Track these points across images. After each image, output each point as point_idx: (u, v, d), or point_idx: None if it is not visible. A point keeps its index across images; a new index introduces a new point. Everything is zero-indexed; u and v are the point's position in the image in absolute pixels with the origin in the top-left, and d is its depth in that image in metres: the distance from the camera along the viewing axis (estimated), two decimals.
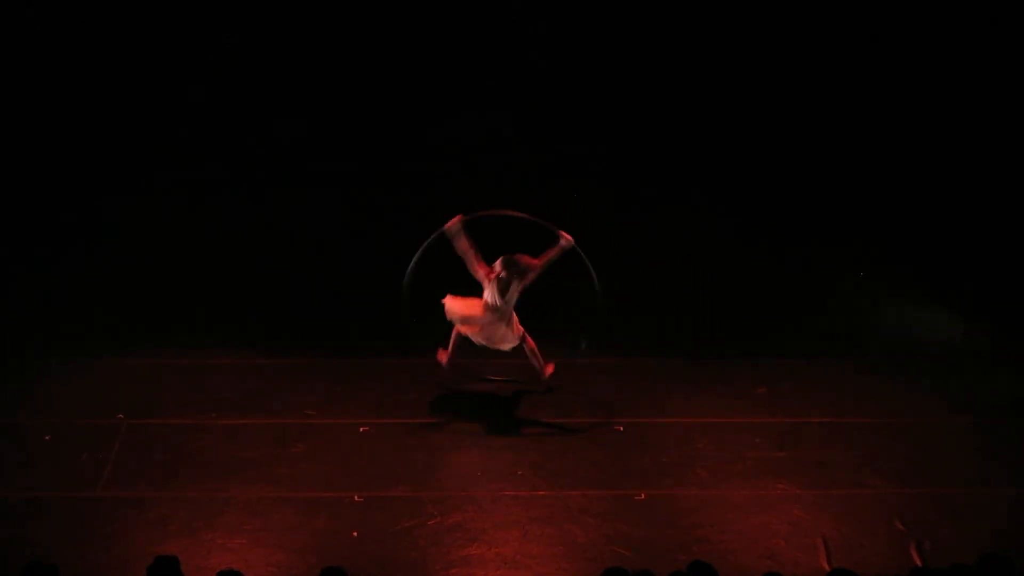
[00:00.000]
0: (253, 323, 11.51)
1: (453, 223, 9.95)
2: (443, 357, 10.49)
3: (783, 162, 13.37)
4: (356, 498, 9.08)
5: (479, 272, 10.03)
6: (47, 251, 12.29)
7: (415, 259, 10.08)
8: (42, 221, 12.63)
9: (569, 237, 9.98)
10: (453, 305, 10.19)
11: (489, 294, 10.04)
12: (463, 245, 9.98)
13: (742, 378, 10.78)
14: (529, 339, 10.27)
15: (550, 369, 10.41)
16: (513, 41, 13.34)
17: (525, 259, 10.00)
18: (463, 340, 10.33)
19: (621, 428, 10.03)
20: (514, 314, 10.17)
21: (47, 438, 9.70)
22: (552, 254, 10.01)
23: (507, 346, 10.28)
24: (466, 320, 10.14)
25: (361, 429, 9.96)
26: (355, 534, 8.71)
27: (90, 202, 12.81)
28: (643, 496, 9.20)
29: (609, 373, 10.77)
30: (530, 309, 10.31)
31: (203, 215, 12.83)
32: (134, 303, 11.70)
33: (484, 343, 10.24)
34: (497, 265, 9.99)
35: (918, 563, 8.43)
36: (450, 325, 10.29)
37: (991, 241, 12.72)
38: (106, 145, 13.13)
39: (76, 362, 10.75)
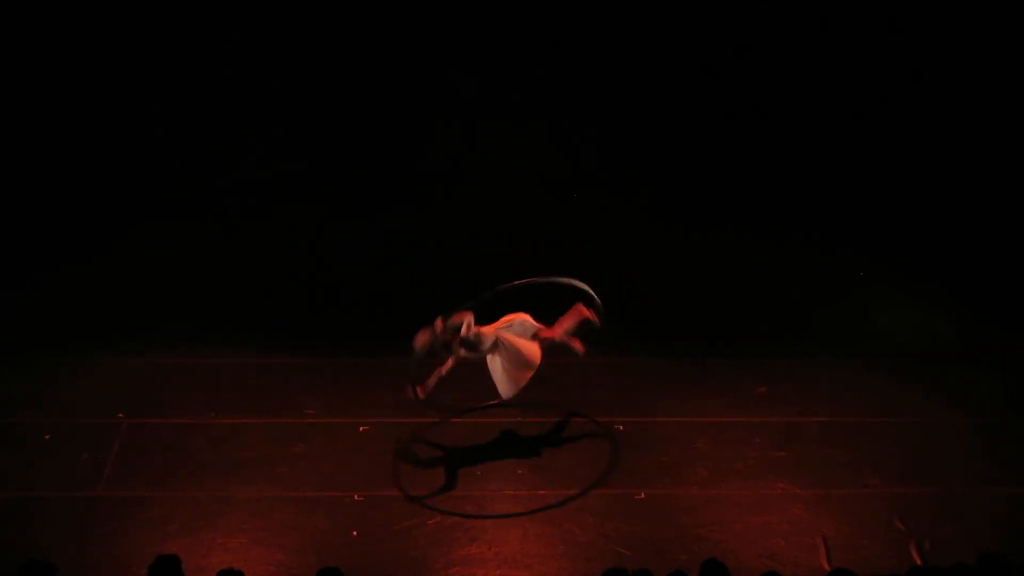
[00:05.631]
0: (253, 323, 11.49)
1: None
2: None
3: (783, 163, 13.37)
4: (356, 498, 9.08)
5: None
6: (47, 252, 12.28)
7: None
8: (42, 222, 12.62)
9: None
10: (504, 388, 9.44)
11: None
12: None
13: (742, 378, 10.77)
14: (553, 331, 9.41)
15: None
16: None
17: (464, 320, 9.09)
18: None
19: (621, 428, 10.03)
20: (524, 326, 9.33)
21: (47, 438, 9.70)
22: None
23: (531, 361, 9.35)
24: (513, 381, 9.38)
25: (361, 429, 9.95)
26: (355, 534, 8.71)
27: (90, 203, 12.81)
28: (643, 496, 9.21)
29: (609, 373, 10.76)
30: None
31: (203, 215, 12.84)
32: (135, 303, 11.68)
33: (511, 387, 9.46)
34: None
35: (918, 563, 8.43)
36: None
37: (991, 241, 12.71)
38: (106, 146, 13.14)
39: (76, 362, 10.74)
